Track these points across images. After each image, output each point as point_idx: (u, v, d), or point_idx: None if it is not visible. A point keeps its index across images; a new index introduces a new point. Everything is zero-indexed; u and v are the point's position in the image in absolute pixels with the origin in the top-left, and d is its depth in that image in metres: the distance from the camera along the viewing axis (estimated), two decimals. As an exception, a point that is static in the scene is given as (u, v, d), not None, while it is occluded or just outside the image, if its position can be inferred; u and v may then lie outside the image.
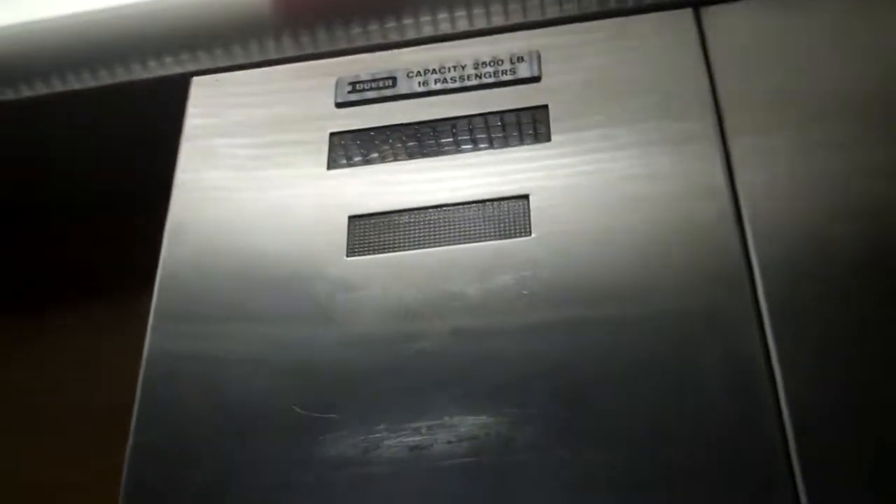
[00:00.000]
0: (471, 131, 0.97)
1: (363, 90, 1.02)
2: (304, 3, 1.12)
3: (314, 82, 1.04)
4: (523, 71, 0.99)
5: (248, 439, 0.83)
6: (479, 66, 1.01)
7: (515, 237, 0.88)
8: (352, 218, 0.93)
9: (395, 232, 0.91)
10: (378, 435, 0.80)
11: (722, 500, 0.74)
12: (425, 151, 0.96)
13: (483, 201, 0.91)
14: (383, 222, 0.92)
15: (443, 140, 0.97)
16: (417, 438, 0.80)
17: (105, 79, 1.13)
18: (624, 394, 0.79)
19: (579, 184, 0.90)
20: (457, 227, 0.90)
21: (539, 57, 1.00)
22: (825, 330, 0.79)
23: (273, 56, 1.09)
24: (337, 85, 1.03)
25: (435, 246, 0.89)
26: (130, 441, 0.85)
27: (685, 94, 0.94)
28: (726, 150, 0.90)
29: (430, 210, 0.92)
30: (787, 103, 0.92)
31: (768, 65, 0.94)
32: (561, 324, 0.83)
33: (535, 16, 1.05)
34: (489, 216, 0.90)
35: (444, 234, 0.90)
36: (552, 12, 1.05)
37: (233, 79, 1.08)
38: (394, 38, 1.07)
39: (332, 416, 0.82)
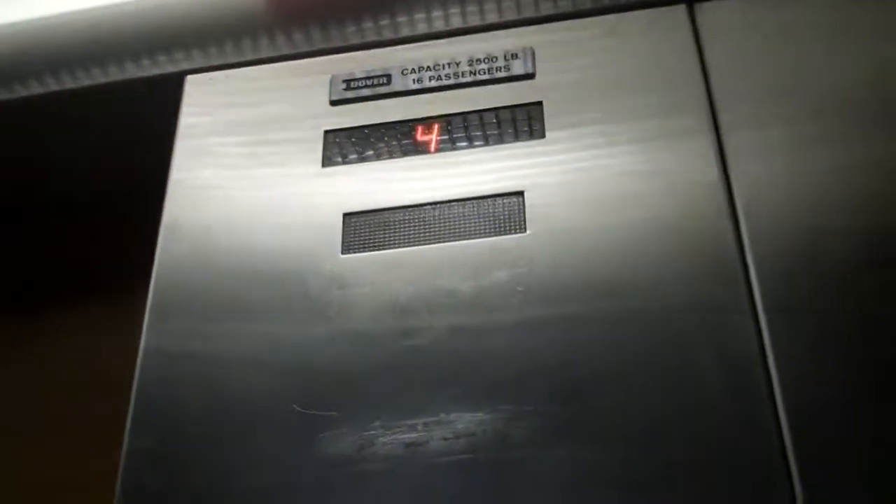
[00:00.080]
0: (465, 128, 0.97)
1: (358, 88, 1.02)
2: (298, 1, 1.12)
3: (308, 80, 1.04)
4: (517, 68, 0.99)
5: (245, 438, 0.84)
6: (474, 63, 1.01)
7: (510, 234, 0.88)
8: (346, 215, 0.93)
9: (390, 229, 0.91)
10: (374, 432, 0.80)
11: (719, 498, 0.74)
12: (419, 149, 0.96)
13: (478, 198, 0.91)
14: (378, 220, 0.92)
15: (438, 137, 0.97)
16: (413, 435, 0.80)
17: (99, 77, 1.13)
18: (620, 391, 0.79)
19: (574, 180, 0.90)
20: (452, 224, 0.90)
21: (533, 54, 1.00)
22: (821, 326, 0.79)
23: (267, 54, 1.09)
24: (331, 82, 1.03)
25: (430, 243, 0.89)
26: (126, 441, 0.86)
27: (679, 89, 0.94)
28: (721, 145, 0.90)
29: (425, 207, 0.92)
30: (781, 98, 0.92)
31: (762, 60, 0.94)
32: (556, 320, 0.83)
33: (529, 12, 1.05)
34: (484, 213, 0.90)
35: (439, 231, 0.90)
36: (546, 9, 1.05)
37: (227, 77, 1.08)
38: (388, 35, 1.07)
39: (329, 413, 0.82)
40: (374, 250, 0.90)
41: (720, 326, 0.80)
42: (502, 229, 0.89)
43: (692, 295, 0.82)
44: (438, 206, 0.92)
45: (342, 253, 0.91)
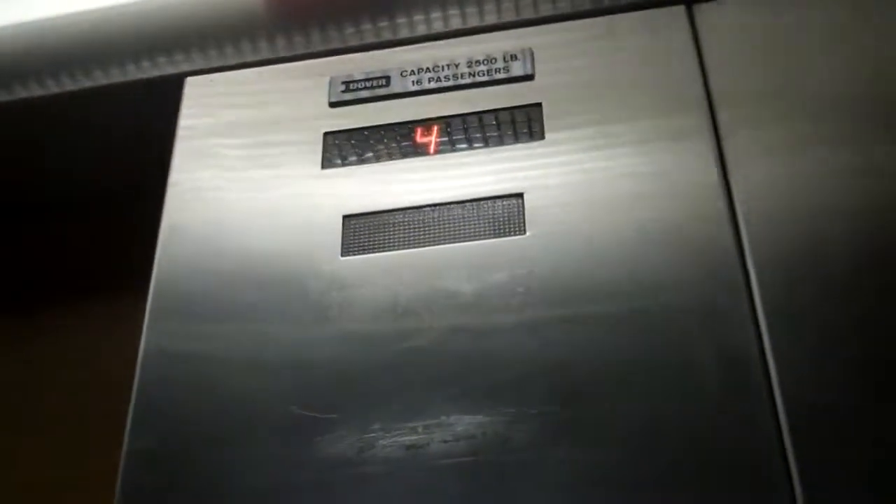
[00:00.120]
0: (465, 130, 0.97)
1: (357, 89, 1.02)
2: (297, 3, 1.12)
3: (308, 82, 1.04)
4: (517, 69, 0.99)
5: (244, 439, 0.84)
6: (473, 65, 1.01)
7: (510, 235, 0.88)
8: (346, 217, 0.93)
9: (389, 231, 0.91)
10: (374, 434, 0.81)
11: (719, 499, 0.74)
12: (419, 150, 0.96)
13: (477, 200, 0.91)
14: (378, 221, 0.92)
15: (437, 139, 0.97)
16: (413, 438, 0.80)
17: (99, 79, 1.13)
18: (620, 393, 0.79)
19: (573, 182, 0.91)
20: (451, 225, 0.90)
21: (532, 55, 1.00)
22: (821, 327, 0.80)
23: (266, 56, 1.09)
24: (330, 84, 1.03)
25: (430, 245, 0.90)
26: (126, 441, 0.86)
27: (678, 91, 0.94)
28: (720, 147, 0.90)
29: (425, 209, 0.92)
30: (780, 99, 0.92)
31: (761, 61, 0.95)
32: (556, 322, 0.83)
33: (528, 14, 1.05)
34: (484, 215, 0.90)
35: (439, 232, 0.90)
36: (545, 10, 1.05)
37: (226, 79, 1.08)
38: (387, 37, 1.08)
39: (329, 415, 0.82)
40: (373, 252, 0.90)
41: (720, 327, 0.80)
42: (502, 231, 0.89)
43: (692, 297, 0.82)
44: (438, 207, 0.92)
45: (342, 255, 0.91)
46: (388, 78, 1.02)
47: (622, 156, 0.91)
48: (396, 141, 0.98)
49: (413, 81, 1.01)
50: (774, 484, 0.73)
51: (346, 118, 1.01)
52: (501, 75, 0.99)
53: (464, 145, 0.96)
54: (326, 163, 0.98)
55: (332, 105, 1.02)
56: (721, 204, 0.86)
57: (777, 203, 0.86)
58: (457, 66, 1.01)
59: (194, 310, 0.92)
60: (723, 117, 0.92)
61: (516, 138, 0.95)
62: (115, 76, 1.13)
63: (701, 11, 0.99)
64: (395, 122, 0.99)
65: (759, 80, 0.93)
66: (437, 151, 0.96)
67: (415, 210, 0.92)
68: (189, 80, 1.09)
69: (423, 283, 0.87)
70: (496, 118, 0.97)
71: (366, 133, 0.99)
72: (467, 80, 1.00)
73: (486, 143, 0.95)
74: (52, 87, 1.14)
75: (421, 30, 1.07)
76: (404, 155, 0.96)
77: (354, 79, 1.03)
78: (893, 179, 0.86)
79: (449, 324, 0.85)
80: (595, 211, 0.88)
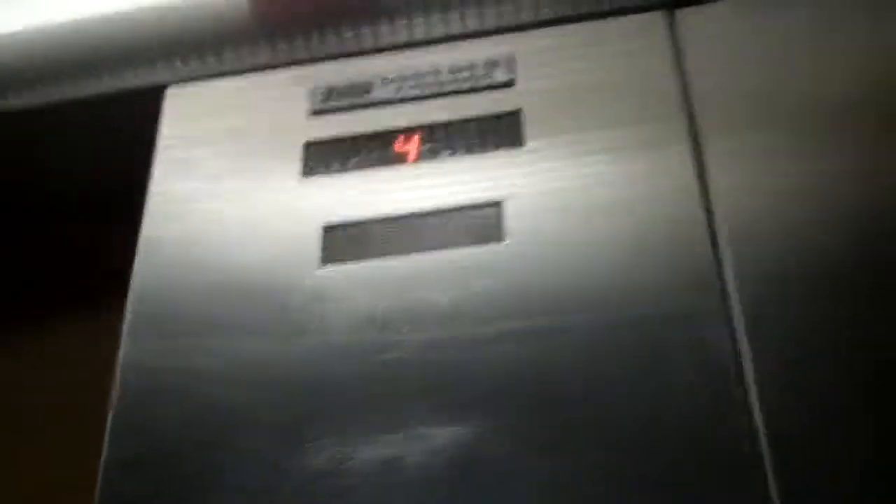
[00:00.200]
0: (446, 138, 0.96)
1: (338, 98, 1.02)
2: (280, 11, 1.11)
3: (288, 91, 1.04)
4: (498, 76, 0.99)
5: (221, 453, 0.83)
6: (454, 72, 1.00)
7: (489, 244, 0.88)
8: (326, 227, 0.92)
9: (369, 241, 0.91)
10: (352, 447, 0.80)
11: (697, 507, 0.74)
12: (400, 159, 0.96)
13: (457, 208, 0.91)
14: (358, 231, 0.92)
15: (418, 147, 0.96)
16: (392, 450, 0.79)
17: (79, 90, 1.13)
18: (599, 403, 0.79)
19: (553, 189, 0.90)
20: (431, 234, 0.90)
21: (514, 61, 0.99)
22: (799, 334, 0.79)
23: (248, 65, 1.09)
24: (311, 93, 1.03)
25: (410, 254, 0.89)
26: (104, 456, 0.85)
27: (659, 97, 0.94)
28: (699, 153, 0.90)
29: (405, 218, 0.91)
30: (760, 106, 0.92)
31: (742, 68, 0.94)
32: (535, 332, 0.82)
33: (510, 20, 1.05)
34: (463, 223, 0.90)
35: (419, 242, 0.90)
36: (527, 17, 1.04)
37: (207, 88, 1.07)
38: (369, 44, 1.07)
39: (306, 428, 0.82)
40: (353, 262, 0.90)
41: (697, 335, 0.80)
42: (481, 239, 0.88)
43: (670, 304, 0.82)
44: (418, 216, 0.91)
45: (321, 265, 0.90)
46: (369, 86, 1.02)
47: (602, 163, 0.91)
48: (377, 149, 0.97)
49: (394, 89, 1.01)
50: (751, 490, 0.73)
51: (327, 127, 1.00)
52: (482, 82, 0.99)
53: (444, 153, 0.95)
54: (307, 172, 0.97)
55: (313, 114, 1.01)
56: (699, 211, 0.86)
57: (755, 210, 0.86)
58: (438, 73, 1.01)
59: (172, 322, 0.91)
60: (702, 124, 0.91)
61: (497, 146, 0.94)
62: (96, 86, 1.12)
63: (681, 18, 0.99)
64: (376, 130, 0.98)
65: (738, 87, 0.93)
66: (418, 159, 0.95)
67: (395, 219, 0.92)
68: (169, 90, 1.08)
69: (402, 293, 0.87)
70: (477, 126, 0.96)
71: (347, 142, 0.99)
72: (448, 88, 0.99)
73: (467, 150, 0.95)
74: (31, 99, 1.13)
75: (403, 36, 1.06)
76: (385, 163, 0.96)
77: (335, 87, 1.02)
78: (873, 186, 0.85)
79: (428, 334, 0.84)
80: (575, 218, 0.88)
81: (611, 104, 0.94)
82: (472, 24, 1.05)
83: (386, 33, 1.06)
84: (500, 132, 0.95)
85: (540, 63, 0.99)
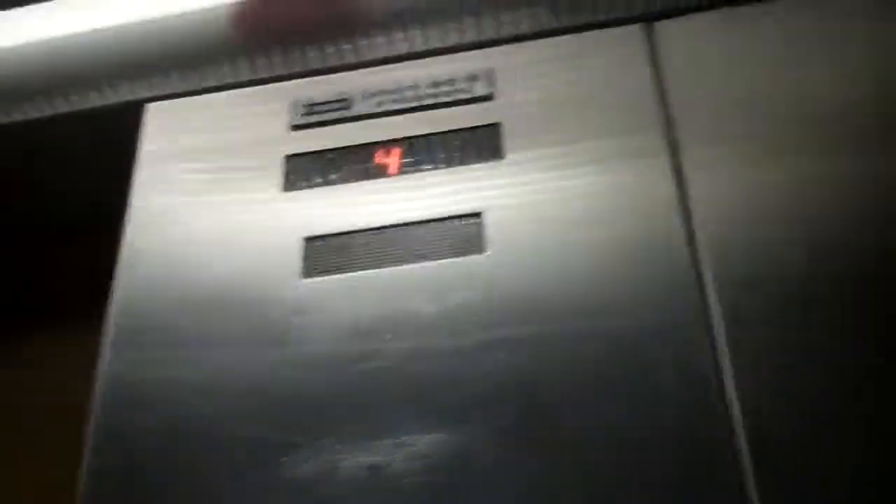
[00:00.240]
0: (426, 151, 0.97)
1: (318, 112, 1.02)
2: (260, 26, 1.12)
3: (269, 105, 1.04)
4: (477, 89, 0.99)
5: (205, 465, 0.83)
6: (434, 86, 1.01)
7: (470, 255, 0.88)
8: (307, 239, 0.93)
9: (350, 253, 0.91)
10: (336, 456, 0.80)
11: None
12: (380, 172, 0.96)
13: (438, 220, 0.91)
14: (339, 243, 0.92)
15: (398, 160, 0.97)
16: (375, 458, 0.79)
17: (60, 106, 1.13)
18: (580, 410, 0.79)
19: (533, 201, 0.91)
20: (412, 246, 0.90)
21: (493, 75, 1.00)
22: (779, 342, 0.80)
23: (229, 80, 1.09)
24: (292, 107, 1.03)
25: (391, 266, 0.89)
26: (84, 468, 0.85)
27: (637, 109, 0.94)
28: (678, 163, 0.90)
29: (386, 230, 0.92)
30: (738, 117, 0.93)
31: (718, 79, 0.95)
32: (516, 341, 0.83)
33: (489, 34, 1.06)
34: (444, 235, 0.90)
35: (400, 253, 0.90)
36: (507, 31, 1.06)
37: (188, 104, 1.08)
38: (350, 59, 1.08)
39: (290, 438, 0.82)
40: (334, 274, 0.90)
41: (677, 344, 0.80)
42: (462, 251, 0.89)
43: (649, 314, 0.82)
44: (398, 228, 0.91)
45: (303, 277, 0.90)
46: (349, 100, 1.02)
47: (581, 174, 0.91)
48: (357, 163, 0.97)
49: (375, 103, 1.01)
50: (731, 497, 0.73)
51: (308, 141, 1.00)
52: (462, 96, 0.99)
53: (424, 166, 0.96)
54: (288, 186, 0.98)
55: (294, 128, 1.02)
56: (678, 220, 0.86)
57: (734, 219, 0.86)
58: (418, 87, 1.01)
59: (154, 336, 0.91)
60: (680, 134, 0.92)
61: (476, 158, 0.95)
62: (77, 103, 1.12)
63: (659, 30, 1.00)
64: (356, 143, 0.99)
65: (715, 98, 0.94)
66: (398, 173, 0.96)
67: (376, 231, 0.92)
68: (150, 105, 1.08)
69: (384, 303, 0.87)
70: (457, 139, 0.97)
71: (327, 155, 0.99)
72: (428, 102, 1.00)
73: (447, 163, 0.95)
74: (15, 115, 1.14)
75: (383, 51, 1.07)
76: (365, 177, 0.96)
77: (316, 101, 1.03)
78: (850, 192, 0.86)
79: (410, 344, 0.84)
80: (554, 229, 0.88)
81: (590, 116, 0.95)
82: (452, 38, 1.06)
83: (366, 48, 1.07)
84: (480, 145, 0.96)
85: (519, 77, 1.00)
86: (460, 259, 0.88)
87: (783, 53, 0.96)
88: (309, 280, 0.90)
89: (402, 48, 1.06)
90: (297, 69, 1.08)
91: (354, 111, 1.01)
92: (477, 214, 0.90)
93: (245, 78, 1.08)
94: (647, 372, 0.79)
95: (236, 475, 0.82)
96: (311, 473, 0.80)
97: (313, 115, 1.02)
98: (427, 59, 1.04)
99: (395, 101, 1.01)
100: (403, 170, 0.96)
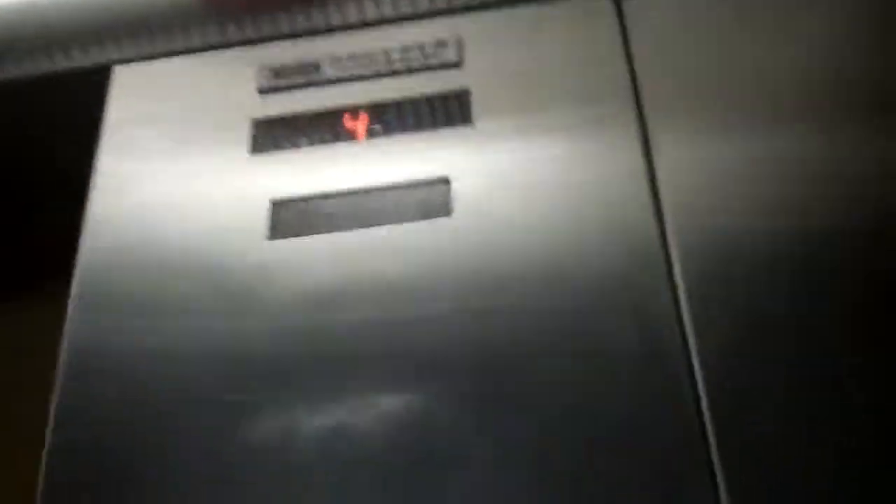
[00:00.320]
0: (394, 116, 0.97)
1: (287, 76, 1.02)
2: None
3: (237, 70, 1.04)
4: (446, 56, 0.99)
5: (170, 432, 0.83)
6: (403, 52, 1.01)
7: (436, 220, 0.88)
8: (274, 203, 0.92)
9: (317, 217, 0.91)
10: (301, 417, 0.80)
11: (640, 481, 0.75)
12: (347, 137, 0.96)
13: (404, 185, 0.91)
14: (305, 207, 0.92)
15: (366, 125, 0.96)
16: (339, 419, 0.79)
17: (27, 69, 1.11)
18: (543, 374, 0.80)
19: (500, 168, 0.91)
20: (378, 211, 0.90)
21: (462, 42, 1.00)
22: (743, 313, 0.80)
23: (197, 44, 1.08)
24: (259, 72, 1.02)
25: (357, 230, 0.89)
26: (49, 436, 0.84)
27: (605, 79, 0.95)
28: (645, 134, 0.91)
29: (352, 194, 0.92)
30: (705, 87, 0.93)
31: (686, 48, 0.96)
32: (481, 305, 0.83)
33: (459, 1, 1.05)
34: (411, 200, 0.90)
35: (366, 218, 0.90)
36: (476, -2, 1.05)
37: (155, 67, 1.07)
38: (318, 24, 1.07)
39: (255, 401, 0.82)
40: (300, 238, 0.90)
41: (642, 313, 0.81)
42: (428, 215, 0.89)
43: (615, 282, 0.83)
44: (365, 193, 0.92)
45: (270, 240, 0.90)
46: (317, 65, 1.02)
47: (548, 142, 0.92)
48: (325, 127, 0.97)
49: (343, 68, 1.01)
50: (695, 467, 0.74)
51: (276, 105, 1.00)
52: (430, 62, 0.99)
53: (392, 131, 0.95)
54: (254, 150, 0.97)
55: (262, 92, 1.01)
56: (645, 189, 0.87)
57: (701, 189, 0.87)
58: (386, 52, 1.01)
59: (118, 302, 0.91)
60: (648, 104, 0.92)
61: (446, 124, 0.95)
62: (44, 65, 1.11)
63: (628, 0, 1.00)
64: (324, 108, 0.98)
65: (683, 67, 0.94)
66: (365, 138, 0.96)
67: (342, 195, 0.92)
68: (117, 69, 1.07)
69: (349, 267, 0.87)
70: (425, 105, 0.97)
71: (294, 120, 0.98)
72: (396, 67, 1.00)
73: (415, 129, 0.95)
74: (-22, 77, 1.12)
75: (353, 16, 1.06)
76: (333, 141, 0.96)
77: (284, 66, 1.02)
78: (817, 165, 0.87)
79: (374, 307, 0.84)
80: (522, 196, 0.89)
81: (558, 85, 0.95)
82: (422, 5, 1.05)
83: (335, 13, 1.06)
84: (449, 111, 0.96)
85: (488, 44, 1.00)
86: (427, 224, 0.88)
87: (755, 28, 0.96)
88: (275, 243, 0.90)
89: (372, 14, 1.06)
90: (265, 34, 1.06)
91: (322, 76, 1.01)
92: (445, 180, 0.90)
93: (213, 42, 1.07)
94: (611, 339, 0.80)
95: (202, 440, 0.82)
96: (276, 435, 0.80)
97: (281, 80, 1.01)
98: (396, 25, 1.04)
99: (363, 66, 1.00)
100: (372, 135, 0.96)
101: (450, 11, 1.04)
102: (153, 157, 0.99)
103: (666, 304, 0.81)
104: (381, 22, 1.05)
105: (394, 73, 0.99)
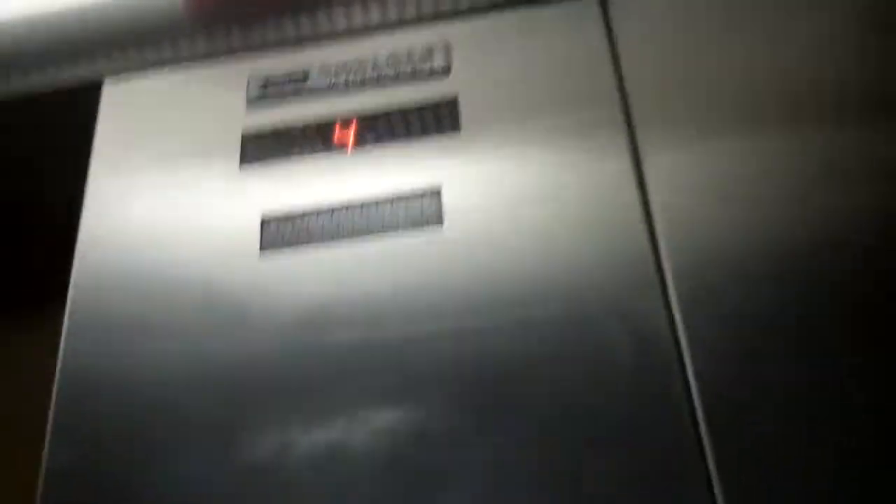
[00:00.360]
0: (384, 126, 0.96)
1: (275, 87, 1.01)
2: (212, 2, 1.10)
3: (226, 81, 1.03)
4: (434, 63, 0.99)
5: (164, 453, 0.82)
6: (391, 60, 1.00)
7: (428, 231, 0.88)
8: (265, 217, 0.92)
9: (308, 230, 0.91)
10: (295, 434, 0.80)
11: (636, 492, 0.74)
12: (338, 148, 0.95)
13: (395, 196, 0.91)
14: (296, 221, 0.92)
15: (356, 135, 0.96)
16: (332, 436, 0.79)
17: (16, 85, 1.11)
18: (536, 388, 0.79)
19: (490, 177, 0.90)
20: (369, 223, 0.90)
21: (450, 49, 1.00)
22: (736, 320, 0.80)
23: (185, 56, 1.07)
24: (248, 83, 1.02)
25: (348, 244, 0.89)
26: (45, 457, 0.84)
27: (593, 84, 0.94)
28: (634, 140, 0.90)
29: (343, 207, 0.91)
30: (693, 91, 0.92)
31: (674, 53, 0.95)
32: (474, 319, 0.83)
33: (446, 6, 1.05)
34: (402, 211, 0.90)
35: (357, 231, 0.90)
36: (464, 4, 1.04)
37: (144, 81, 1.06)
38: (306, 33, 1.06)
39: (249, 419, 0.81)
40: (292, 252, 0.90)
41: (634, 320, 0.80)
42: (419, 226, 0.88)
43: (606, 290, 0.82)
44: (356, 205, 0.91)
45: (260, 256, 0.90)
46: (306, 75, 1.01)
47: (537, 149, 0.91)
48: (315, 138, 0.97)
49: (332, 78, 1.01)
50: (691, 470, 0.74)
51: (265, 117, 1.00)
52: (419, 70, 0.99)
53: (382, 141, 0.95)
54: (245, 163, 0.97)
55: (251, 104, 1.01)
56: (635, 194, 0.86)
57: (691, 195, 0.86)
58: (375, 61, 1.01)
59: (112, 321, 0.90)
60: (636, 109, 0.92)
61: (435, 132, 0.94)
62: (35, 81, 1.10)
63: (614, 4, 0.99)
64: (314, 119, 0.98)
65: (672, 72, 0.94)
66: (355, 148, 0.95)
67: (333, 208, 0.91)
68: (107, 84, 1.07)
69: (341, 282, 0.87)
70: (414, 113, 0.96)
71: (284, 131, 0.98)
72: (385, 75, 0.99)
73: (405, 138, 0.95)
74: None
75: (340, 25, 1.06)
76: (323, 152, 0.96)
77: (273, 77, 1.02)
78: (808, 168, 0.86)
79: (367, 321, 0.84)
80: (511, 205, 0.88)
81: (547, 91, 0.95)
82: (409, 12, 1.05)
83: (323, 22, 1.06)
84: (438, 119, 0.95)
85: (475, 51, 0.99)
86: (419, 236, 0.88)
87: (743, 29, 0.95)
88: (266, 258, 0.89)
89: (360, 21, 1.05)
90: (253, 44, 1.06)
91: (311, 86, 1.00)
92: (436, 190, 0.90)
93: (202, 53, 1.06)
94: (603, 349, 0.80)
95: (196, 459, 0.81)
96: (269, 453, 0.80)
97: (270, 91, 1.01)
98: (384, 33, 1.03)
99: (351, 75, 1.00)
100: (362, 145, 0.95)
101: (438, 17, 1.03)
102: (143, 174, 0.99)
103: (658, 309, 0.81)
104: (369, 29, 1.04)
105: (382, 81, 0.99)
